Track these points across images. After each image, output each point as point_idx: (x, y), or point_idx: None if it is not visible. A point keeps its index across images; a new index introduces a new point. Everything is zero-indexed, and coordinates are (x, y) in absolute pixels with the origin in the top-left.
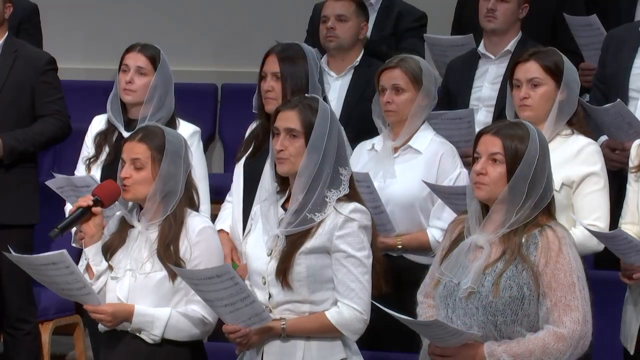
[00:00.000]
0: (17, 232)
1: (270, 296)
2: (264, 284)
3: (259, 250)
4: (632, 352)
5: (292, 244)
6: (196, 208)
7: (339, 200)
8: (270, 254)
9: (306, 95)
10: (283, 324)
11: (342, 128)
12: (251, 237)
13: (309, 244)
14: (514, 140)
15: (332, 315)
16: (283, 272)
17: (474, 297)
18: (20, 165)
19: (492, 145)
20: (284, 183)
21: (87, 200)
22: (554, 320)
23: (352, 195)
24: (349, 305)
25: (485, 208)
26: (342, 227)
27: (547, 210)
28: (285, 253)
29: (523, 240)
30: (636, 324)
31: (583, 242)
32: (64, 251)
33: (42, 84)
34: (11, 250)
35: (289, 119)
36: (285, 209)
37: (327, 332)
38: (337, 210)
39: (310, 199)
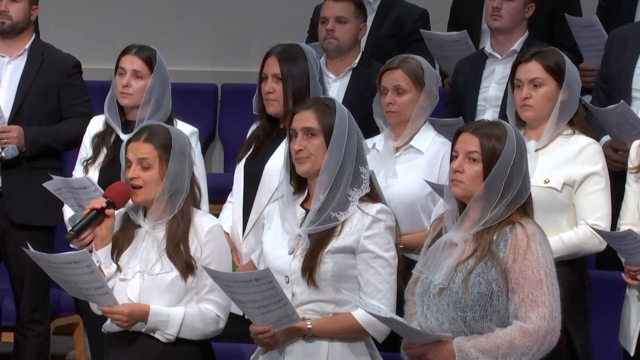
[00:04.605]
0: (38, 234)
1: (293, 295)
2: (287, 282)
3: (278, 249)
4: (632, 353)
5: (318, 242)
6: (198, 205)
7: (362, 200)
8: (293, 252)
9: (320, 96)
10: (309, 325)
11: (358, 128)
12: (268, 236)
13: (336, 243)
14: (492, 139)
15: (360, 315)
16: (309, 271)
17: (445, 294)
18: (44, 168)
19: (470, 143)
20: (300, 184)
21: (100, 202)
22: (521, 316)
23: (374, 195)
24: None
25: (462, 206)
26: (369, 228)
27: (522, 209)
28: (310, 251)
29: (494, 237)
30: (636, 324)
31: (584, 242)
32: (86, 251)
33: (68, 86)
34: (30, 247)
35: (306, 119)
36: (304, 208)
37: (354, 332)
38: (362, 210)
39: (334, 198)
